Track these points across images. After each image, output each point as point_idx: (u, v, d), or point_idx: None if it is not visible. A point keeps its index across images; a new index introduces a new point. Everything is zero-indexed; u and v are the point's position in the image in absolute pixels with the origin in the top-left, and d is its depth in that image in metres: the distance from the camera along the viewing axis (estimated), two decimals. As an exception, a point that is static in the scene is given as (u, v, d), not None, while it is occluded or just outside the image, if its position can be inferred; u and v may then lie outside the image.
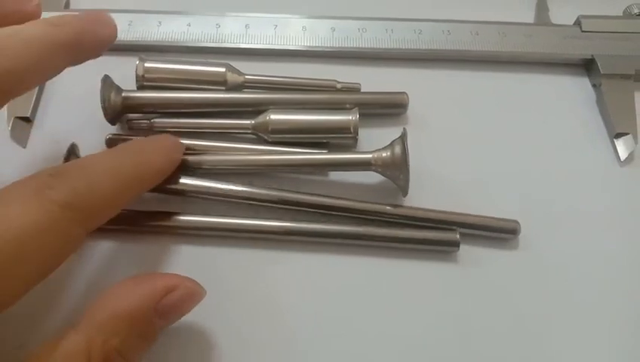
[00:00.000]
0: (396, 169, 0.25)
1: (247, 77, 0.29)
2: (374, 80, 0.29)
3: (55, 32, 0.20)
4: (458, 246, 0.24)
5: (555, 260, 0.25)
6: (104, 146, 0.27)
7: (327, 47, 0.30)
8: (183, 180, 0.25)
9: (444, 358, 0.23)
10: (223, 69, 0.28)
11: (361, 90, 0.29)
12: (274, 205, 0.25)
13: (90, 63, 0.23)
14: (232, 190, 0.25)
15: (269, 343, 0.23)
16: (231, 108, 0.28)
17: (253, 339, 0.23)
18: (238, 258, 0.24)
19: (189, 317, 0.21)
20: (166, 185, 0.24)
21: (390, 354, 0.23)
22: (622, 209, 0.26)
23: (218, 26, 0.31)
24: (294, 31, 0.31)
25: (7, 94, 0.20)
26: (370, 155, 0.25)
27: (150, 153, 0.23)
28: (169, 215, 0.25)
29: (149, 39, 0.30)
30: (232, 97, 0.28)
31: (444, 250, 0.25)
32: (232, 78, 0.28)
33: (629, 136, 0.28)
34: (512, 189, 0.27)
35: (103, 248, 0.24)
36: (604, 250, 0.25)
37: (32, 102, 0.28)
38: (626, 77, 0.30)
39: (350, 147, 0.27)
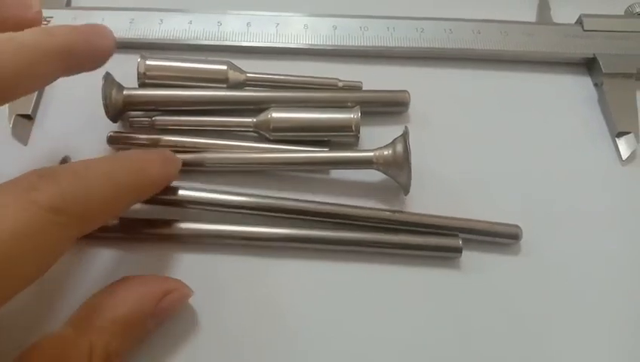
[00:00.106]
0: (398, 167, 0.25)
1: (248, 75, 0.29)
2: (376, 78, 0.29)
3: (48, 40, 0.20)
4: (460, 252, 0.24)
5: (557, 263, 0.25)
6: (105, 144, 0.27)
7: (328, 46, 0.30)
8: (181, 192, 0.24)
9: (446, 363, 0.23)
10: (224, 67, 0.28)
11: (363, 89, 0.29)
12: (274, 214, 0.24)
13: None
14: (230, 200, 0.24)
15: (271, 350, 0.22)
16: (232, 106, 0.28)
17: (255, 346, 0.22)
18: (237, 265, 0.24)
19: (187, 323, 0.21)
20: (162, 197, 0.24)
21: (393, 361, 0.22)
22: (624, 208, 0.26)
23: (220, 23, 0.31)
24: (296, 29, 0.31)
25: None
26: (371, 154, 0.25)
27: (145, 162, 0.22)
28: (168, 222, 0.24)
29: (150, 37, 0.30)
30: (234, 95, 0.28)
31: (446, 256, 0.24)
32: (233, 76, 0.28)
33: (631, 135, 0.28)
34: (513, 188, 0.27)
35: (103, 255, 0.24)
36: (605, 250, 0.25)
37: (34, 99, 0.28)
38: (627, 76, 0.30)
39: (352, 145, 0.27)
